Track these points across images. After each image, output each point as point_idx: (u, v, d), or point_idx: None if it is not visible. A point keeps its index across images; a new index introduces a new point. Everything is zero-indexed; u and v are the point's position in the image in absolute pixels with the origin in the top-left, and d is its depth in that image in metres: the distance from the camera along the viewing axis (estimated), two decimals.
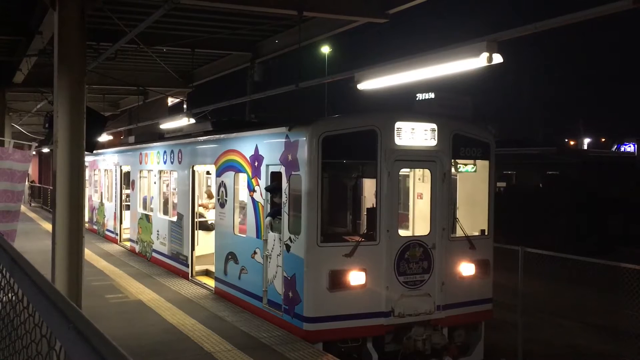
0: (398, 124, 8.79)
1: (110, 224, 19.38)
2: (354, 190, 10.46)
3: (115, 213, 18.70)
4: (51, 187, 8.62)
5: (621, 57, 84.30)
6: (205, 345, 7.98)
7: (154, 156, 14.91)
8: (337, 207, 10.40)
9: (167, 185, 14.99)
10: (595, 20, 5.23)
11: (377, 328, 8.54)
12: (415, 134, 8.91)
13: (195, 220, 12.89)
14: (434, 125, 9.05)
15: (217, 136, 11.62)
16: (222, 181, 11.07)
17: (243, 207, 10.95)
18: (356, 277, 8.45)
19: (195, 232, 12.91)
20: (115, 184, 18.64)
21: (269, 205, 9.50)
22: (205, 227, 13.89)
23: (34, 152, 8.41)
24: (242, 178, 10.53)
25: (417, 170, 10.03)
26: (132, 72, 17.59)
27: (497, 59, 5.90)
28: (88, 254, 14.93)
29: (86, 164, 12.18)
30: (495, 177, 9.99)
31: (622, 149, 45.78)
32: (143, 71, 17.80)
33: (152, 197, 15.47)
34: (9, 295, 2.69)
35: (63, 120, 7.33)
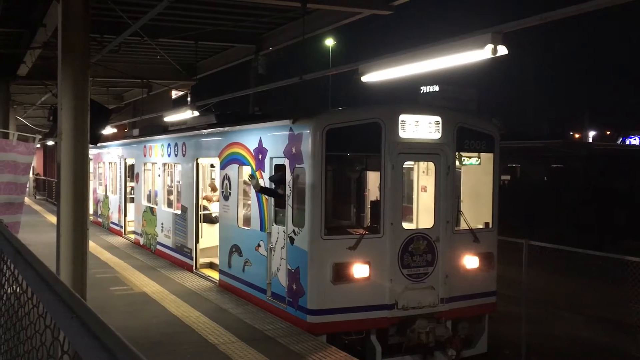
0: (402, 117, 8.77)
1: (114, 216, 19.43)
2: (358, 183, 10.43)
3: (119, 206, 18.74)
4: (56, 180, 8.64)
5: (627, 49, 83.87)
6: (209, 337, 8.00)
7: (158, 149, 14.92)
8: (341, 199, 10.38)
9: (172, 178, 15.00)
10: (601, 11, 5.19)
11: (381, 320, 8.55)
12: (419, 127, 8.88)
13: (200, 212, 12.91)
14: (438, 118, 9.02)
15: (221, 129, 11.61)
16: (226, 174, 11.07)
17: (247, 199, 10.95)
18: (360, 270, 8.45)
19: (200, 224, 12.93)
20: (120, 176, 18.67)
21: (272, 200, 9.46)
22: (210, 219, 13.91)
23: (38, 145, 8.42)
24: (246, 171, 10.52)
25: (421, 163, 10.01)
26: (135, 64, 17.60)
27: (502, 50, 5.85)
28: (92, 246, 14.99)
29: (90, 156, 12.20)
30: (499, 170, 9.96)
31: (627, 141, 45.64)
32: (147, 64, 17.80)
33: (157, 190, 15.49)
34: (14, 286, 2.70)
35: (67, 112, 7.33)
